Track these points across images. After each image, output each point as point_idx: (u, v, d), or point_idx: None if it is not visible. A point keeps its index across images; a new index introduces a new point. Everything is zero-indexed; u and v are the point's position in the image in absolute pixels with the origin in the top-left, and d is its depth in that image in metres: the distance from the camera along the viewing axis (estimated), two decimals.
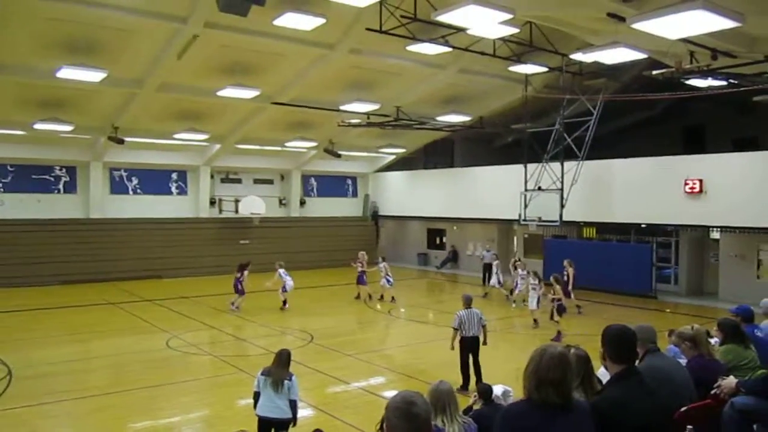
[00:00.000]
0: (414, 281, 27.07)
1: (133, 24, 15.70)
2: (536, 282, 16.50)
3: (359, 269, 20.36)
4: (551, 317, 15.47)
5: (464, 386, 10.83)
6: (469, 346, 10.94)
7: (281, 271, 18.89)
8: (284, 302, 18.91)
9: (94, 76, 16.70)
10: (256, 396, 7.31)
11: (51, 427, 9.64)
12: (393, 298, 20.41)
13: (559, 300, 15.29)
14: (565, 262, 18.51)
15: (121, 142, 22.53)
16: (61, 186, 25.11)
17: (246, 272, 18.83)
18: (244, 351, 14.38)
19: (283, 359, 7.37)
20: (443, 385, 4.39)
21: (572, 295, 18.14)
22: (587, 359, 3.94)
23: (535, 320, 16.32)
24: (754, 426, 3.77)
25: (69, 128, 21.12)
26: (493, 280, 21.08)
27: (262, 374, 7.32)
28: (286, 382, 7.18)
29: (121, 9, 14.92)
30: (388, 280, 20.33)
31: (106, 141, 23.04)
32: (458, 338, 11.02)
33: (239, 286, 18.74)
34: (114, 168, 26.05)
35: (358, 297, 20.56)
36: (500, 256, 23.00)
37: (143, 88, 19.30)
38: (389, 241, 33.21)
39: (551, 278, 15.95)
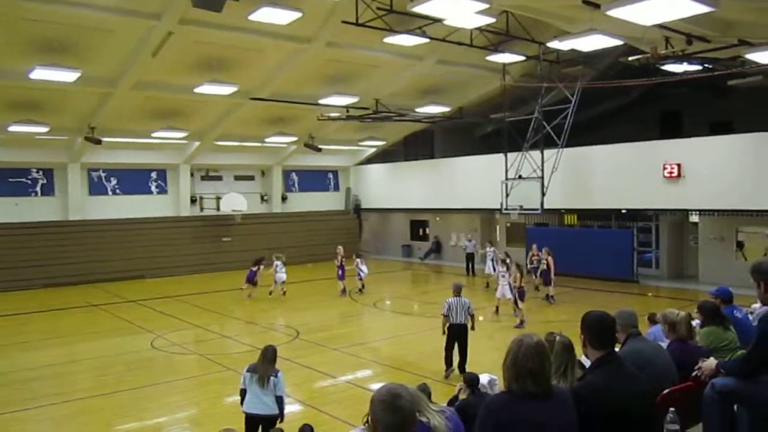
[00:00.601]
0: (398, 273, 27.13)
1: (106, 22, 15.48)
2: (504, 269, 16.52)
3: (338, 264, 20.51)
4: (515, 303, 15.70)
5: (447, 371, 11.18)
6: (456, 333, 11.17)
7: (278, 263, 19.98)
8: (283, 292, 20.05)
9: (68, 76, 16.50)
10: (243, 393, 7.30)
11: None
12: (361, 288, 20.88)
13: (520, 287, 15.52)
14: (543, 251, 18.67)
15: (98, 142, 22.26)
16: (38, 189, 24.73)
17: (262, 266, 20.19)
18: (230, 348, 14.32)
19: (268, 356, 7.36)
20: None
21: (552, 284, 18.29)
22: (571, 347, 3.98)
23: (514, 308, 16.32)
24: (735, 406, 3.82)
25: (44, 129, 20.84)
26: (488, 268, 21.11)
27: (247, 371, 7.31)
28: (272, 378, 7.17)
29: (93, 7, 14.71)
30: (359, 274, 20.88)
31: (82, 142, 22.75)
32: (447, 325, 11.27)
33: (254, 278, 20.01)
34: (92, 169, 25.73)
35: (344, 291, 20.55)
36: (484, 245, 23.06)
37: (118, 87, 19.07)
38: (372, 233, 33.22)
39: (513, 266, 16.21)
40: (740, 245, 20.51)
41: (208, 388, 11.22)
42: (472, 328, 11.38)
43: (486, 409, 3.19)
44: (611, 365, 3.47)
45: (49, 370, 12.59)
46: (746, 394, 3.73)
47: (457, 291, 11.39)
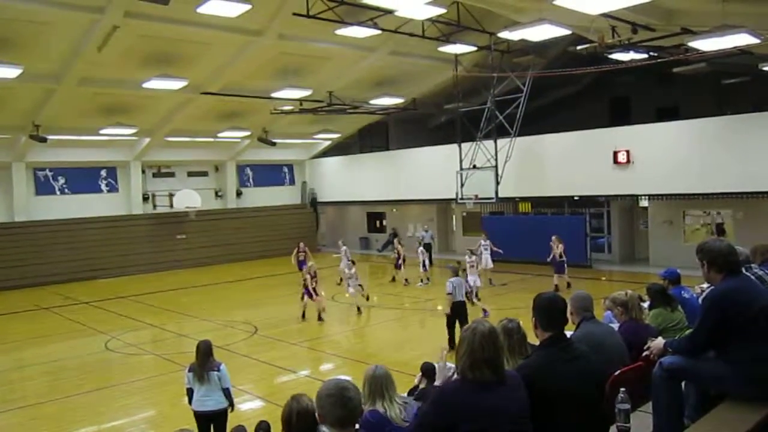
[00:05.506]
0: (356, 265, 27.03)
1: (46, 16, 14.95)
2: (472, 259, 17.30)
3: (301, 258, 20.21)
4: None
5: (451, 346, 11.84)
6: (458, 310, 11.98)
7: (344, 248, 20.07)
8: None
9: (9, 72, 15.90)
10: (189, 392, 7.23)
11: None
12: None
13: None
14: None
15: (43, 140, 21.57)
16: None
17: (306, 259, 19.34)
18: (187, 347, 14.00)
19: (202, 351, 7.23)
20: (379, 370, 4.34)
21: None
22: (518, 329, 4.04)
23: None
24: (682, 384, 3.93)
25: None
26: (486, 263, 19.72)
27: (189, 371, 7.22)
28: (214, 373, 7.10)
29: (31, 0, 14.20)
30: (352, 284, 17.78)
31: (27, 140, 22.04)
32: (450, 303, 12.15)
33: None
34: (38, 168, 24.95)
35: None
36: (439, 235, 23.23)
37: (63, 83, 18.50)
38: (329, 227, 33.11)
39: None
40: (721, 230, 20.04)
41: (166, 389, 11.01)
42: (471, 302, 12.96)
43: (441, 394, 3.18)
44: (556, 346, 3.51)
45: None
46: (692, 372, 3.85)
47: (455, 272, 12.43)
